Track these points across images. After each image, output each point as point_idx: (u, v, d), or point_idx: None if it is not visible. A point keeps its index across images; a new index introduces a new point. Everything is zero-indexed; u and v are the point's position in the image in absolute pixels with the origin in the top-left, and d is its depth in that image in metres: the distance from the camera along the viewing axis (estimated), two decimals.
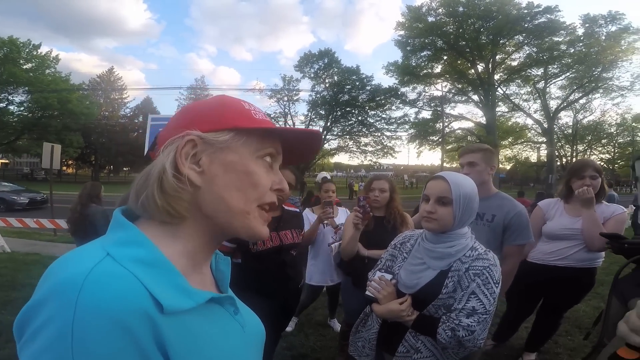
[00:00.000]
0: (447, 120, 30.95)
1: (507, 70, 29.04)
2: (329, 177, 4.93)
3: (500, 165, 33.53)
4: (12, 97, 30.79)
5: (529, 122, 31.79)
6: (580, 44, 25.55)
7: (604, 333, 1.02)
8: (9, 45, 27.45)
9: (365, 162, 36.80)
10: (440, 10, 27.79)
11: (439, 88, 30.79)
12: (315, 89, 33.98)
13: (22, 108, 31.77)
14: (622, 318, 0.72)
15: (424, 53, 29.53)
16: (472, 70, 29.52)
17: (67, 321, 0.35)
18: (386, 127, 34.18)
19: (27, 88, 29.64)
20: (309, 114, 34.81)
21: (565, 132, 33.32)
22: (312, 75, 33.76)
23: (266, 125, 0.55)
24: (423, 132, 31.64)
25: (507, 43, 27.62)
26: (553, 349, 2.98)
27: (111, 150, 40.67)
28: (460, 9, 26.81)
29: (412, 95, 31.90)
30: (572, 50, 25.85)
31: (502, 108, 31.39)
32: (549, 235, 2.48)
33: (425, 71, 30.32)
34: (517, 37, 26.92)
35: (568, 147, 33.96)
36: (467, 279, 1.26)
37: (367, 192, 2.44)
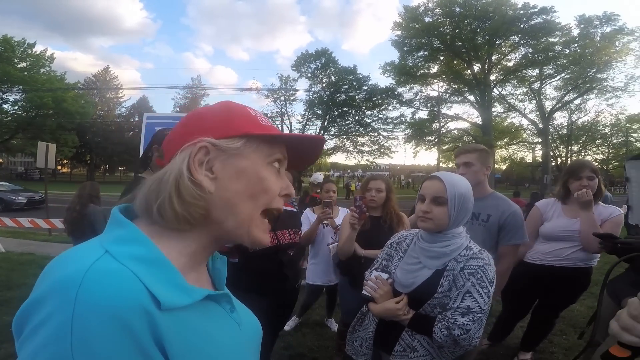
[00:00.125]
0: (443, 120, 31.11)
1: (503, 71, 29.21)
2: (321, 178, 4.92)
3: (496, 166, 33.67)
4: (6, 96, 30.63)
5: (525, 122, 32.08)
6: (576, 45, 25.74)
7: (595, 331, 1.03)
8: (3, 44, 27.23)
9: (362, 162, 36.92)
10: (437, 10, 27.91)
11: (436, 88, 30.98)
12: (312, 89, 34.06)
13: (16, 107, 31.61)
14: (614, 316, 0.73)
15: (421, 53, 29.65)
16: (468, 71, 29.65)
17: (66, 317, 0.36)
18: (383, 127, 34.35)
19: (21, 87, 29.43)
20: (306, 114, 34.88)
21: (560, 132, 33.59)
22: (309, 75, 33.81)
23: (274, 131, 0.56)
24: (419, 132, 31.79)
25: (503, 44, 27.78)
26: (548, 348, 3.01)
27: (107, 149, 40.44)
28: (457, 9, 26.94)
29: (408, 96, 32.07)
30: (568, 51, 26.06)
31: (497, 108, 31.60)
32: (546, 236, 2.49)
33: (421, 71, 30.43)
34: (513, 37, 27.09)
35: (563, 148, 34.24)
36: (462, 278, 1.27)
37: (363, 192, 2.44)
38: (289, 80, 34.34)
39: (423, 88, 31.73)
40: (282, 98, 34.72)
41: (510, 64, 28.79)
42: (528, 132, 32.80)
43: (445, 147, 31.45)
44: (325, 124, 34.40)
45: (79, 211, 3.23)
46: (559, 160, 33.76)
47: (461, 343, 1.21)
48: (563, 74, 27.88)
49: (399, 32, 29.37)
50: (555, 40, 26.10)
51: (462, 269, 1.28)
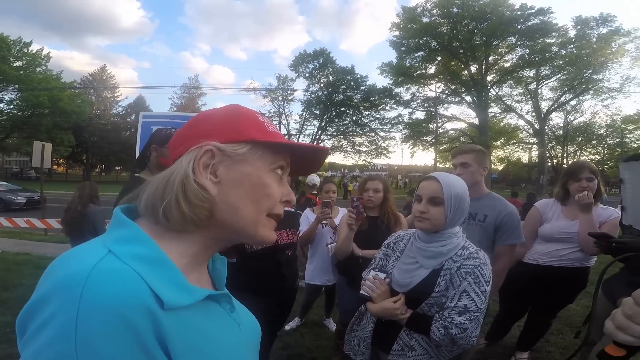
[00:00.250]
0: (440, 120, 31.21)
1: (500, 72, 29.36)
2: (317, 180, 4.95)
3: (493, 166, 33.85)
4: (2, 95, 30.39)
5: (521, 123, 32.25)
6: (572, 46, 25.93)
7: (590, 330, 1.04)
8: None
9: (360, 162, 36.93)
10: (434, 11, 28.02)
11: (433, 89, 31.07)
12: (310, 89, 34.04)
13: (12, 106, 31.33)
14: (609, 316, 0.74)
15: (418, 54, 29.75)
16: (466, 72, 29.78)
17: (71, 317, 0.36)
18: (380, 127, 34.41)
19: (17, 86, 29.21)
20: (304, 114, 34.86)
21: (556, 133, 33.78)
22: (307, 75, 33.82)
23: (279, 139, 0.56)
24: (417, 133, 31.87)
25: (500, 44, 27.94)
26: (545, 348, 3.03)
27: (103, 149, 40.26)
28: (455, 10, 27.04)
29: (406, 96, 32.19)
30: (564, 52, 26.24)
31: (494, 109, 31.80)
32: (545, 237, 2.50)
33: (419, 72, 30.54)
34: (510, 38, 27.25)
35: (559, 148, 34.40)
36: (458, 277, 1.28)
37: (361, 193, 2.45)
38: (287, 80, 34.38)
39: (420, 88, 31.90)
40: (280, 98, 34.74)
41: (507, 64, 28.97)
42: (524, 132, 33.02)
43: (442, 147, 31.52)
44: (323, 123, 34.43)
45: (80, 211, 3.23)
46: (554, 160, 33.93)
47: (458, 342, 1.22)
48: (559, 75, 28.08)
49: (396, 33, 29.50)
50: (552, 41, 26.29)
51: (458, 268, 1.29)
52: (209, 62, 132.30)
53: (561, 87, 28.87)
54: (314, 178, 4.92)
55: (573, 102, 30.35)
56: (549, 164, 32.24)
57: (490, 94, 29.77)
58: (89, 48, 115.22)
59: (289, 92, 34.65)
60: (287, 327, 3.29)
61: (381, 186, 2.44)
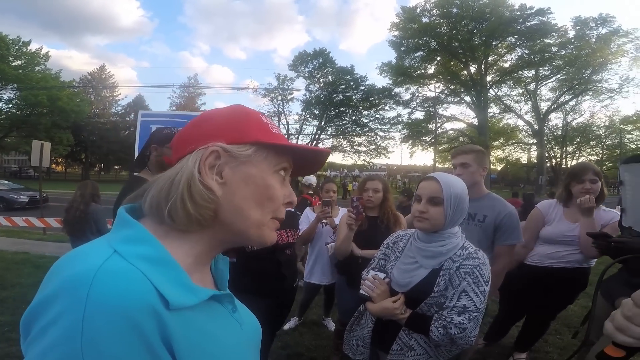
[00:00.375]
0: (439, 121, 31.23)
1: (499, 72, 29.37)
2: (313, 180, 4.96)
3: (492, 166, 33.87)
4: (1, 94, 30.35)
5: (520, 123, 32.29)
6: (571, 46, 25.95)
7: (589, 331, 1.04)
8: None
9: (359, 162, 36.92)
10: (434, 11, 28.02)
11: (432, 89, 31.09)
12: (310, 89, 34.02)
13: (10, 105, 31.26)
14: (609, 317, 0.74)
15: (418, 54, 29.75)
16: (465, 72, 29.79)
17: (77, 317, 0.36)
18: (379, 127, 34.40)
19: (15, 85, 29.16)
20: (303, 114, 34.84)
21: (555, 133, 33.83)
22: (307, 75, 33.80)
23: (283, 141, 0.56)
24: (416, 133, 31.88)
25: (499, 45, 27.95)
26: (543, 348, 3.03)
27: (102, 148, 40.22)
28: (454, 10, 27.04)
29: (405, 96, 32.19)
30: (563, 53, 26.26)
31: (493, 109, 31.81)
32: (546, 239, 2.49)
33: (418, 72, 30.54)
34: (509, 38, 27.26)
35: (558, 149, 34.46)
36: (458, 277, 1.28)
37: (360, 193, 2.45)
38: (286, 80, 34.37)
39: (420, 88, 31.91)
40: (279, 97, 34.73)
41: (507, 65, 28.99)
42: (523, 133, 33.06)
43: (442, 147, 31.56)
44: (322, 123, 34.41)
45: (83, 210, 3.23)
46: (553, 161, 33.99)
47: (458, 342, 1.23)
48: (558, 75, 28.11)
49: (396, 33, 29.49)
50: (551, 41, 26.31)
51: (457, 268, 1.29)
52: (208, 61, 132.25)
53: (560, 87, 28.91)
54: (311, 178, 4.95)
55: (572, 103, 30.46)
56: (548, 164, 32.29)
57: (489, 94, 29.79)
58: (88, 47, 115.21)
59: (288, 91, 34.68)
60: (286, 326, 3.29)
61: (381, 186, 2.44)
